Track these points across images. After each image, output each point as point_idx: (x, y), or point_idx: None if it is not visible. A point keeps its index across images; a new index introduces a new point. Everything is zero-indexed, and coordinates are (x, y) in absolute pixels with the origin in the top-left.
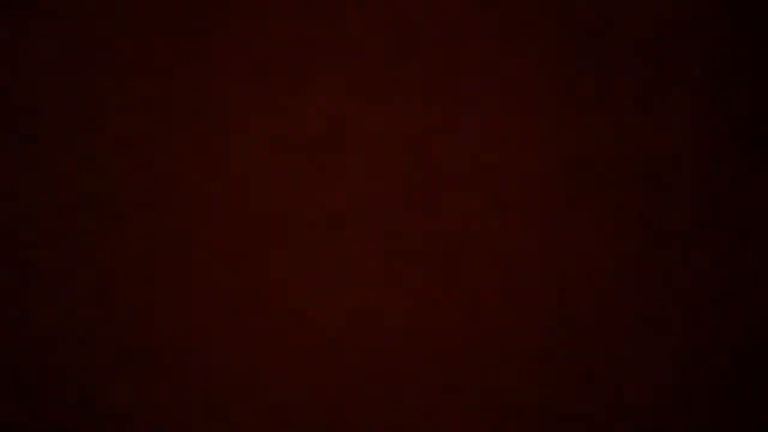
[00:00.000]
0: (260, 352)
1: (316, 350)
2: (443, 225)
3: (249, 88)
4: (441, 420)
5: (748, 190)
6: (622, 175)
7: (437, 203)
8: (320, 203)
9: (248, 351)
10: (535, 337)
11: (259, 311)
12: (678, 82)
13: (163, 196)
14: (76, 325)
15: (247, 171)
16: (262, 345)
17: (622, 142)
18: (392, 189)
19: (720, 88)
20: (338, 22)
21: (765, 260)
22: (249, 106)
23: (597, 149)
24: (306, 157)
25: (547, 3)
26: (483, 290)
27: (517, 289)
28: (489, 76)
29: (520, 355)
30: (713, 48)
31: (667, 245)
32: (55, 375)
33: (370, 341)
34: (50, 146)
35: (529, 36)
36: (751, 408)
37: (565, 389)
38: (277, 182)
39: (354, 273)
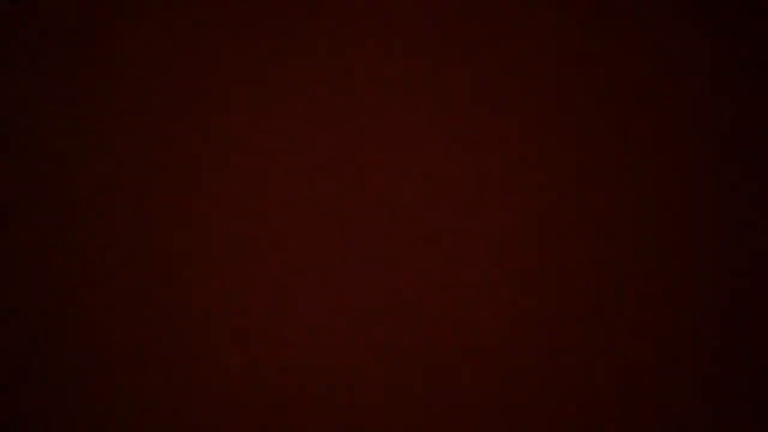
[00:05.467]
0: (259, 351)
1: (315, 351)
2: (442, 226)
3: (251, 87)
4: (440, 420)
5: (748, 190)
6: (620, 175)
7: (435, 205)
8: (320, 205)
9: (247, 351)
10: (535, 339)
11: (257, 311)
12: (678, 82)
13: (160, 196)
14: (76, 326)
15: (247, 171)
16: (261, 345)
17: (622, 142)
18: (391, 192)
19: (720, 88)
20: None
21: (765, 260)
22: (250, 104)
23: (596, 149)
24: (305, 158)
25: (545, 4)
26: (481, 290)
27: (516, 291)
28: (487, 76)
29: (519, 356)
30: (713, 47)
31: (665, 245)
32: (55, 377)
33: (370, 341)
34: (51, 147)
35: (525, 35)
36: (751, 408)
37: (565, 391)
38: (278, 184)
39: (353, 272)
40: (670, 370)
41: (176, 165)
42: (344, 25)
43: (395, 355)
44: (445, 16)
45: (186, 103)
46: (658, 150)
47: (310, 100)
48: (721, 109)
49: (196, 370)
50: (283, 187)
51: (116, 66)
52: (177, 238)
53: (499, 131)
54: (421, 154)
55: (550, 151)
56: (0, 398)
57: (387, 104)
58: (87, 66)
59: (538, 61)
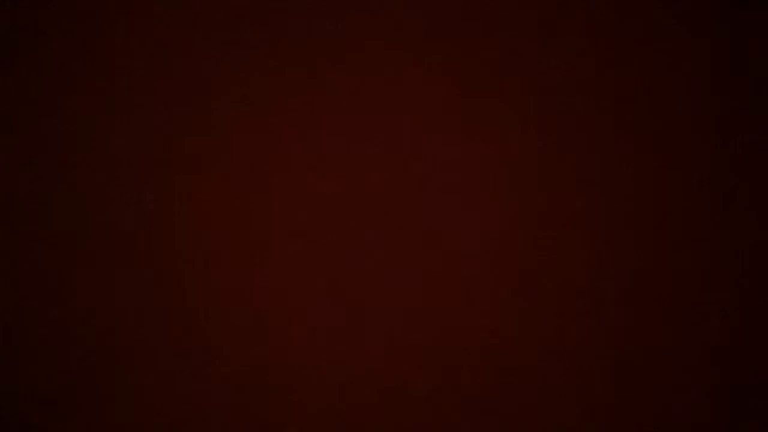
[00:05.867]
0: (260, 351)
1: (315, 350)
2: (441, 226)
3: (251, 87)
4: (439, 421)
5: (748, 189)
6: (619, 174)
7: (434, 205)
8: (318, 204)
9: (249, 351)
10: (535, 338)
11: (259, 311)
12: (677, 81)
13: (162, 196)
14: (78, 325)
15: (247, 175)
16: (263, 345)
17: (621, 141)
18: (391, 192)
19: (719, 87)
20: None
21: (764, 259)
22: (252, 103)
23: (595, 148)
24: (306, 159)
25: (545, 3)
26: (481, 289)
27: (516, 289)
28: (486, 76)
29: (516, 354)
30: (713, 46)
31: (665, 243)
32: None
33: (369, 341)
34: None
35: (520, 35)
36: (751, 408)
37: (561, 390)
38: (277, 189)
39: (352, 273)
40: (669, 369)
41: (178, 166)
42: (344, 23)
43: (396, 355)
44: (445, 16)
45: (186, 103)
46: (658, 149)
47: (309, 99)
48: (721, 109)
49: (199, 370)
50: (282, 187)
51: (118, 66)
52: (179, 239)
53: (498, 131)
54: (421, 154)
55: (549, 150)
56: (1, 398)
57: (385, 104)
58: (86, 65)
59: (538, 61)
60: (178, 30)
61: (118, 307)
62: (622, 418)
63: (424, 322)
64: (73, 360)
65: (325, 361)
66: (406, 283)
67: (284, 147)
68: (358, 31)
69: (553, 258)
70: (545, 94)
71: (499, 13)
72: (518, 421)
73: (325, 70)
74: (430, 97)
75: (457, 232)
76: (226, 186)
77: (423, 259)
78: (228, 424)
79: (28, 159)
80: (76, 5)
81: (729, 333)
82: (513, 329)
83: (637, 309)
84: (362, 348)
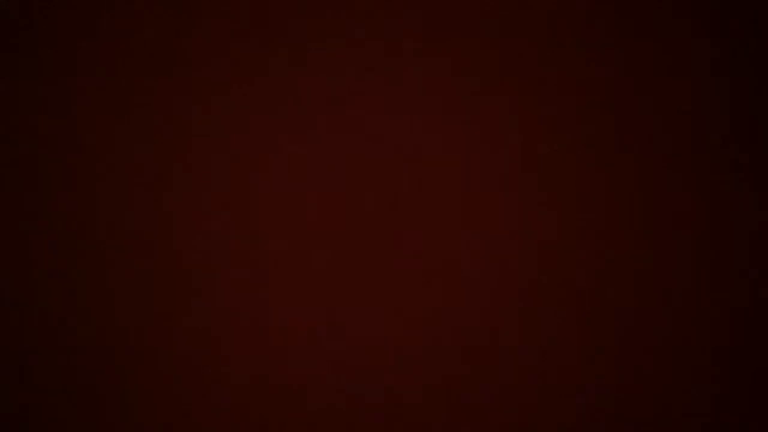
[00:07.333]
0: (263, 354)
1: (316, 353)
2: (440, 227)
3: (251, 88)
4: (437, 420)
5: (748, 190)
6: (620, 178)
7: (434, 209)
8: (320, 209)
9: (251, 353)
10: (532, 337)
11: (259, 313)
12: (677, 80)
13: (164, 198)
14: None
15: (248, 178)
16: (264, 348)
17: (622, 144)
18: (391, 195)
19: (720, 88)
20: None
21: (765, 259)
22: (254, 104)
23: (596, 152)
24: (308, 164)
25: (544, 4)
26: (481, 293)
27: (514, 290)
28: (484, 79)
29: (516, 354)
30: (714, 46)
31: (664, 244)
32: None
33: (369, 341)
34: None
35: (520, 35)
36: (751, 407)
37: (556, 387)
38: (278, 192)
39: (352, 274)
40: (669, 369)
41: (178, 166)
42: (344, 23)
43: (395, 355)
44: (445, 16)
45: (186, 103)
46: (658, 149)
47: (309, 99)
48: (721, 109)
49: (198, 371)
50: (282, 188)
51: (118, 66)
52: (179, 239)
53: (498, 130)
54: (421, 154)
55: (550, 150)
56: (3, 399)
57: (385, 104)
58: (86, 65)
59: (538, 61)
60: (178, 30)
61: (117, 307)
62: (622, 418)
63: (424, 322)
64: (73, 361)
65: (325, 362)
66: (406, 283)
67: (284, 147)
68: (358, 31)
69: (554, 258)
70: (545, 94)
71: (500, 13)
72: (518, 421)
73: (326, 70)
74: (430, 97)
75: (457, 232)
76: (226, 186)
77: (423, 260)
78: (227, 424)
79: (28, 159)
80: (76, 5)
81: (729, 333)
82: (513, 329)
83: (638, 309)
84: (362, 348)
